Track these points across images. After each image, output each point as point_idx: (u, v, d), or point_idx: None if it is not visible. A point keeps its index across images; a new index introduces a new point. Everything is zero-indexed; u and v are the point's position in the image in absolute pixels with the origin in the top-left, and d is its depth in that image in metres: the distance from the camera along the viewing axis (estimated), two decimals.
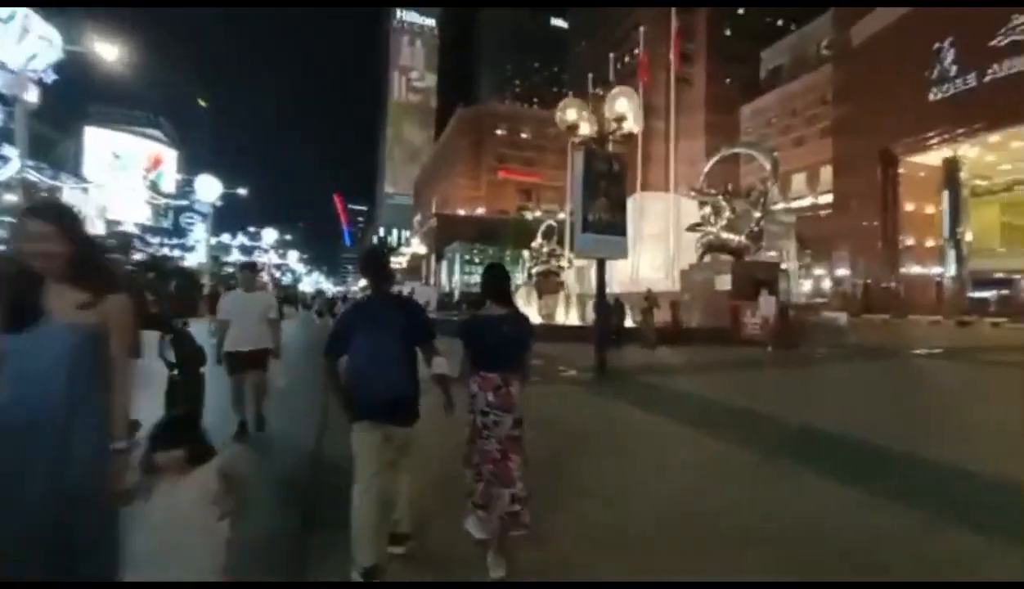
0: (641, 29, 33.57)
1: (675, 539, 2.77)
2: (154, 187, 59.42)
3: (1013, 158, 35.84)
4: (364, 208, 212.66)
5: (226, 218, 60.41)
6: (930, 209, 37.80)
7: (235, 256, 56.94)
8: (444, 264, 55.92)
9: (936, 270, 36.18)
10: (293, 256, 68.91)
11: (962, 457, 4.03)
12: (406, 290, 28.70)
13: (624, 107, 7.18)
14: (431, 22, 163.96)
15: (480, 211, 70.49)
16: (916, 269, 37.44)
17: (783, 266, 15.81)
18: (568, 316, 15.60)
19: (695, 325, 13.10)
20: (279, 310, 13.43)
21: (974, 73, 31.72)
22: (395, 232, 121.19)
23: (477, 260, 55.79)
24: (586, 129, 7.60)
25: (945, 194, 35.13)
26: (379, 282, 2.61)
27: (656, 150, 67.02)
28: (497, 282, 2.65)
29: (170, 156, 61.90)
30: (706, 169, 15.80)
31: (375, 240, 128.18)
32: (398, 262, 68.07)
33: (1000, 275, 35.45)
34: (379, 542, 2.33)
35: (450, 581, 2.41)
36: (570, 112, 7.51)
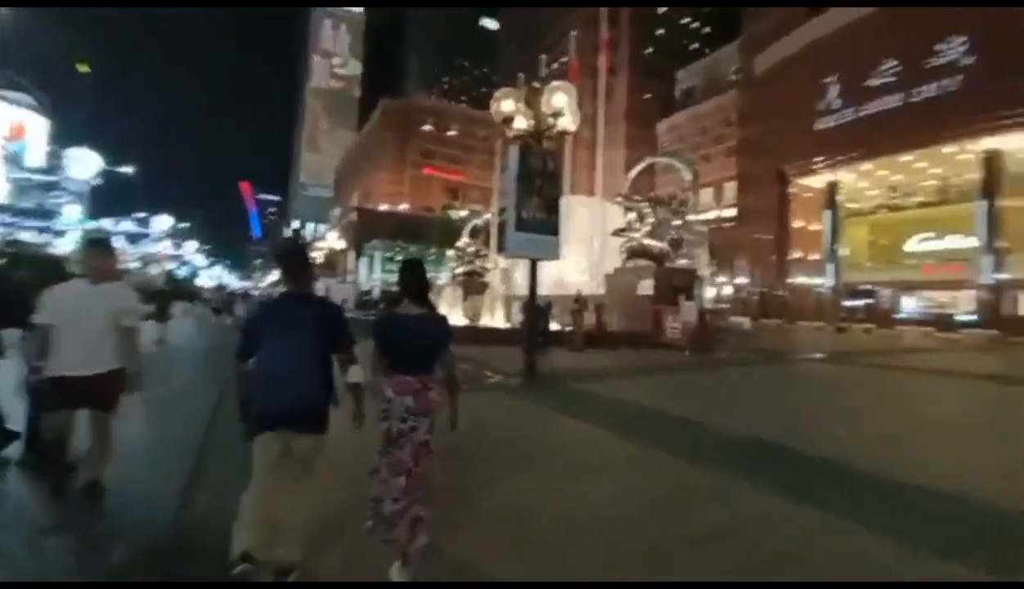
0: (572, 34, 34.14)
1: (589, 546, 2.68)
2: (16, 159, 50.95)
3: (879, 185, 41.25)
4: (277, 198, 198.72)
5: (109, 201, 53.18)
6: (814, 226, 42.32)
7: (120, 244, 50.14)
8: (364, 261, 53.34)
9: (818, 281, 40.54)
10: (191, 246, 62.10)
11: (894, 464, 4.19)
12: (321, 287, 26.79)
13: (562, 102, 6.95)
14: (359, 9, 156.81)
15: (404, 207, 68.35)
16: (802, 279, 41.75)
17: (699, 273, 16.77)
18: (494, 318, 15.26)
19: (617, 328, 13.35)
20: (162, 310, 11.71)
21: (852, 108, 36.00)
22: (310, 225, 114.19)
23: (399, 258, 53.90)
24: (522, 123, 7.27)
25: (826, 214, 39.49)
26: (298, 280, 2.43)
27: (580, 156, 69.35)
28: (415, 280, 2.50)
29: (38, 124, 53.33)
30: (632, 176, 16.31)
31: (288, 233, 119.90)
32: (313, 257, 64.09)
33: (867, 286, 40.55)
34: (259, 533, 2.13)
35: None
36: (506, 103, 7.13)
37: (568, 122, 7.12)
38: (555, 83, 7.17)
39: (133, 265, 54.30)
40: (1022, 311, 27.14)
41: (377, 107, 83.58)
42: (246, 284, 71.12)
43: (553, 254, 7.80)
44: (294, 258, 2.51)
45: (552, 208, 7.29)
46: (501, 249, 24.87)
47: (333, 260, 55.97)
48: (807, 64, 38.87)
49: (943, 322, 25.94)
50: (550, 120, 7.05)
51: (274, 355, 2.25)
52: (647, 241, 13.79)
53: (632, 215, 14.49)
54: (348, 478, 3.02)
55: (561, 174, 7.57)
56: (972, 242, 31.43)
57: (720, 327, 13.97)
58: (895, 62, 33.90)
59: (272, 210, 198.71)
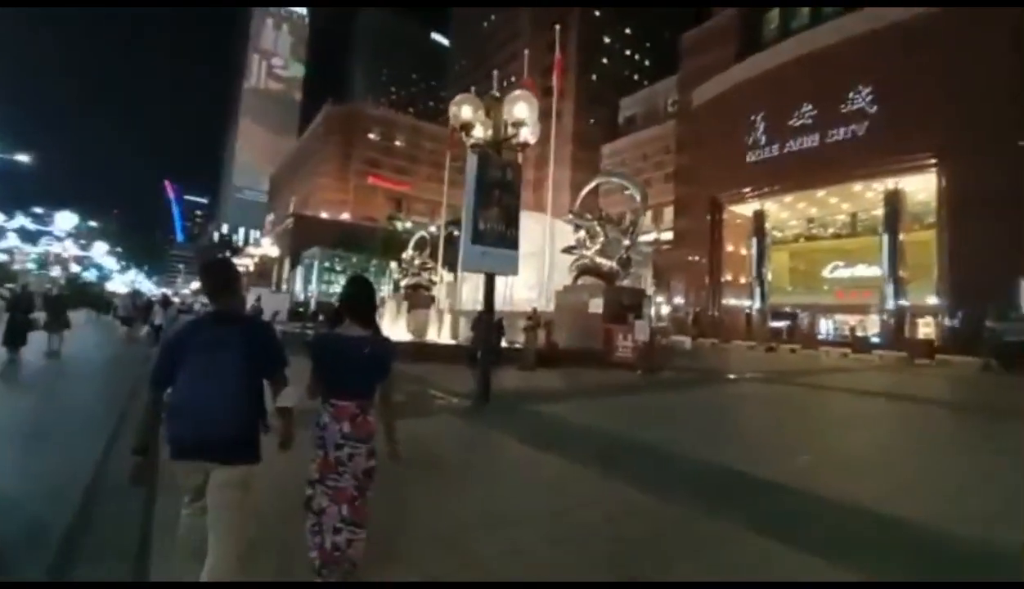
0: (527, 53, 34.63)
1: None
2: None
3: (798, 216, 44.93)
4: (204, 201, 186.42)
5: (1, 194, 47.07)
6: (743, 251, 45.19)
7: (11, 242, 44.37)
8: (300, 270, 50.65)
9: (746, 303, 43.14)
10: (101, 248, 56.21)
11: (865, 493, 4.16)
12: (252, 297, 24.98)
13: (523, 112, 6.71)
14: (302, 10, 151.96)
15: (345, 216, 66.01)
16: (732, 301, 44.29)
17: (647, 293, 17.16)
18: (440, 334, 14.70)
19: (567, 346, 13.23)
20: (56, 318, 10.28)
21: (777, 144, 39.01)
22: (241, 230, 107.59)
23: (339, 268, 51.66)
24: (479, 132, 6.96)
25: (754, 240, 42.31)
26: (223, 299, 2.21)
27: (527, 173, 70.53)
28: (359, 299, 2.38)
29: None
30: (582, 194, 16.49)
31: (216, 237, 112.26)
32: (244, 265, 60.07)
33: (789, 309, 43.72)
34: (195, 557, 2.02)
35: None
36: (465, 109, 6.79)
37: (528, 134, 6.92)
38: (517, 93, 6.94)
39: (29, 266, 48.31)
40: (920, 335, 30.20)
41: (321, 111, 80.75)
42: (165, 291, 65.29)
43: (511, 269, 7.49)
44: (220, 274, 2.29)
45: (511, 221, 7.00)
46: (447, 263, 24.40)
47: (267, 268, 52.70)
48: (738, 101, 41.81)
49: (859, 343, 28.29)
50: (511, 130, 6.80)
51: (195, 381, 2.03)
52: (598, 259, 13.86)
53: (582, 233, 14.59)
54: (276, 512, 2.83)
55: (520, 186, 7.31)
56: (877, 271, 34.76)
57: (664, 346, 14.22)
58: (811, 106, 37.18)
59: (199, 213, 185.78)
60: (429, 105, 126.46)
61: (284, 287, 51.16)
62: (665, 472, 4.56)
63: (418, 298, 22.06)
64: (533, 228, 20.08)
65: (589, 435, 5.91)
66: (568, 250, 15.10)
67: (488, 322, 7.40)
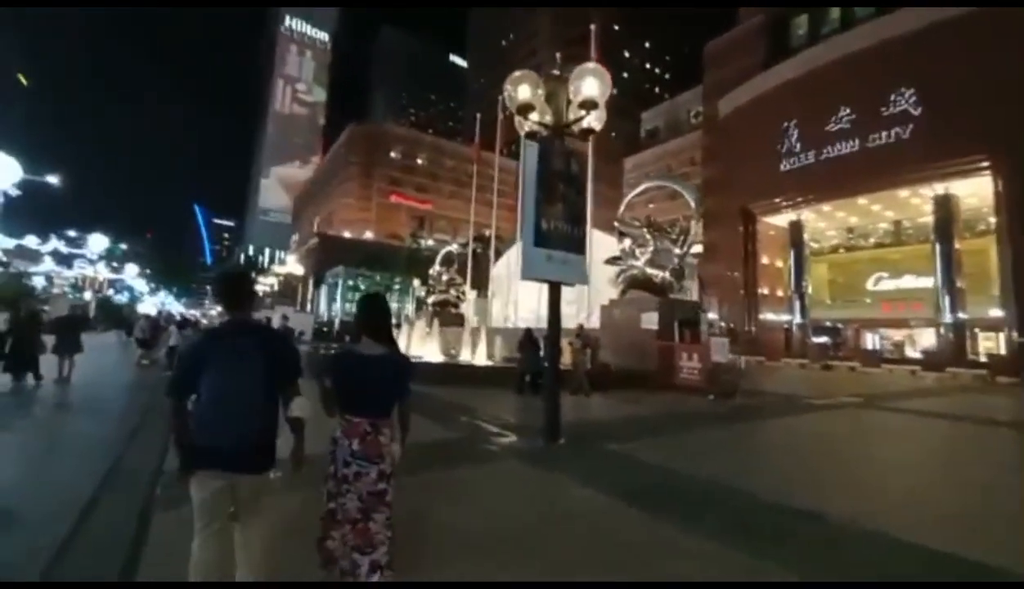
0: (548, 68, 33.95)
1: None
2: None
3: (837, 226, 42.93)
4: (231, 224, 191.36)
5: (35, 217, 48.36)
6: (779, 264, 43.26)
7: (47, 265, 45.24)
8: (324, 289, 50.46)
9: (784, 317, 41.06)
10: (132, 270, 57.17)
11: None
12: (277, 317, 24.47)
13: (592, 90, 5.62)
14: (323, 36, 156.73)
15: (368, 235, 66.13)
16: (769, 316, 42.22)
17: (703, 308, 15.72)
18: (475, 354, 13.60)
19: (616, 366, 11.96)
20: (63, 341, 9.87)
21: (812, 152, 37.36)
22: (267, 251, 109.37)
23: (363, 286, 51.33)
24: (536, 118, 5.91)
25: (791, 252, 40.43)
26: (239, 307, 2.24)
27: None
28: (375, 316, 2.37)
29: None
30: (628, 200, 15.38)
31: (242, 259, 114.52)
32: (269, 284, 60.45)
33: (828, 323, 41.50)
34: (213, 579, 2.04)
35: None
36: (523, 88, 5.74)
37: (595, 119, 5.88)
38: (588, 65, 5.90)
39: (66, 290, 49.19)
40: (981, 350, 27.86)
41: (344, 132, 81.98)
42: (194, 312, 65.89)
43: (580, 277, 6.36)
44: (235, 283, 2.33)
45: (578, 219, 5.91)
46: (471, 282, 23.43)
47: (291, 287, 52.74)
48: (769, 109, 40.45)
49: (930, 360, 26.09)
50: (580, 111, 5.74)
51: (216, 390, 2.09)
52: (649, 270, 12.64)
53: (627, 242, 13.43)
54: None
55: (587, 180, 6.24)
56: (926, 282, 32.56)
57: (737, 367, 12.77)
58: (849, 110, 35.57)
59: (227, 236, 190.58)
60: (448, 125, 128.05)
61: (308, 307, 50.98)
62: (840, 553, 3.27)
63: (446, 316, 21.11)
64: None
65: (703, 490, 4.55)
66: (613, 261, 13.92)
67: (555, 342, 6.19)
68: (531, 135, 5.90)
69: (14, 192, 22.03)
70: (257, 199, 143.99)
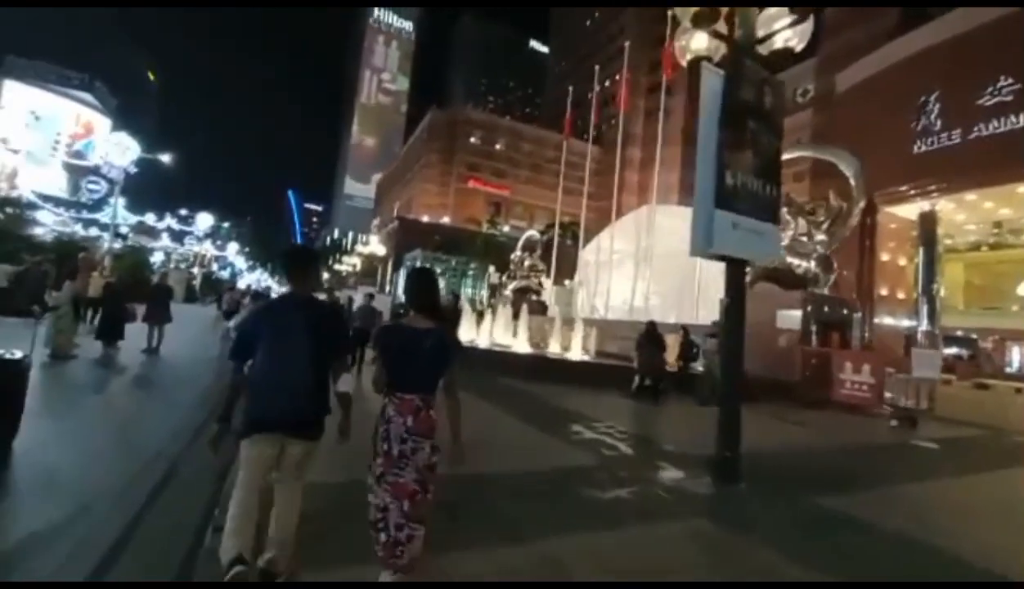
0: (627, 44, 31.50)
1: None
2: (79, 157, 52.03)
3: (981, 219, 36.45)
4: (320, 208, 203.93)
5: (151, 197, 53.41)
6: (901, 261, 37.68)
7: (163, 241, 49.87)
8: (402, 272, 51.49)
9: (905, 323, 35.73)
10: (232, 248, 61.85)
11: None
12: (359, 297, 24.55)
13: None
14: (408, 25, 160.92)
15: (445, 220, 66.66)
16: (888, 320, 36.93)
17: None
18: (570, 347, 12.14)
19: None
20: (153, 309, 9.61)
21: (958, 130, 31.65)
22: (350, 234, 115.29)
23: (439, 269, 51.73)
24: (698, 43, 4.30)
25: (921, 248, 34.89)
26: (300, 282, 2.39)
27: (630, 177, 66.35)
28: (424, 291, 2.36)
29: (104, 125, 54.89)
30: None
31: (328, 241, 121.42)
32: (352, 264, 62.93)
33: (959, 333, 35.62)
34: (248, 538, 2.14)
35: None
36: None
37: (798, 35, 4.17)
38: None
39: (182, 265, 54.21)
40: None
41: (425, 118, 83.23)
42: (261, 283, 70.02)
43: (772, 249, 4.67)
44: (300, 258, 2.41)
45: (771, 173, 4.23)
46: (550, 269, 21.95)
47: (374, 267, 54.34)
48: (902, 80, 34.86)
49: None
50: (775, 24, 4.07)
51: (271, 360, 2.24)
52: (790, 258, 10.42)
53: None
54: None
55: (783, 122, 4.55)
56: None
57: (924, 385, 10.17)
58: (1011, 80, 29.56)
59: (316, 219, 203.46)
60: (525, 111, 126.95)
61: (387, 288, 52.29)
62: None
63: (528, 303, 19.90)
64: (670, 224, 17.00)
65: None
66: None
67: (734, 351, 4.45)
68: (696, 63, 4.30)
69: (133, 169, 23.81)
70: (344, 185, 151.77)
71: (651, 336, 7.90)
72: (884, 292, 37.48)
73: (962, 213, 36.15)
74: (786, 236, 10.60)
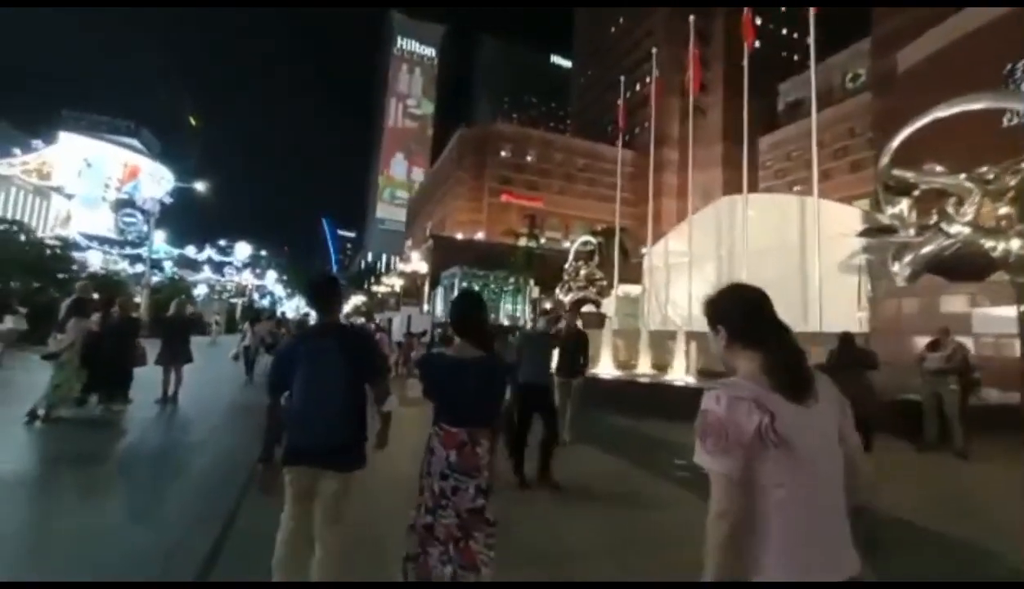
0: (654, 51, 29.71)
1: None
2: (128, 202, 53.64)
3: None
4: (352, 235, 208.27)
5: (191, 230, 54.39)
6: None
7: (205, 273, 50.42)
8: (440, 290, 50.14)
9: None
10: (271, 277, 62.32)
11: None
12: (398, 319, 22.86)
13: None
14: (431, 51, 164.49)
15: (479, 235, 65.41)
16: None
17: None
18: (673, 369, 9.89)
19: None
20: (169, 347, 7.82)
21: None
22: (384, 257, 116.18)
23: (477, 286, 50.17)
24: None
25: None
26: (326, 310, 2.38)
27: (667, 180, 63.65)
28: (471, 317, 2.26)
29: (149, 167, 56.59)
30: (903, 136, 10.68)
31: (362, 265, 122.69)
32: (390, 285, 62.21)
33: None
34: (293, 572, 2.13)
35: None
36: None
37: None
38: None
39: (225, 295, 54.77)
40: None
41: (453, 137, 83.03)
42: (296, 313, 70.06)
43: None
44: (323, 288, 2.41)
45: None
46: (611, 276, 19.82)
47: (416, 286, 53.32)
48: (980, 49, 31.43)
49: None
50: None
51: (305, 389, 2.19)
52: (983, 241, 7.90)
53: (903, 204, 8.95)
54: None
55: None
56: None
57: None
58: None
59: (349, 246, 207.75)
60: (550, 126, 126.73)
61: (425, 307, 51.07)
62: None
63: (585, 316, 17.78)
64: (771, 216, 14.77)
65: None
66: (873, 233, 9.45)
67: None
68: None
69: (168, 199, 23.35)
70: (375, 210, 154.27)
71: (849, 353, 5.30)
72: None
73: None
74: (969, 211, 8.21)
